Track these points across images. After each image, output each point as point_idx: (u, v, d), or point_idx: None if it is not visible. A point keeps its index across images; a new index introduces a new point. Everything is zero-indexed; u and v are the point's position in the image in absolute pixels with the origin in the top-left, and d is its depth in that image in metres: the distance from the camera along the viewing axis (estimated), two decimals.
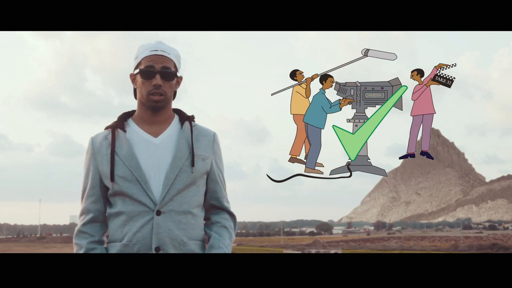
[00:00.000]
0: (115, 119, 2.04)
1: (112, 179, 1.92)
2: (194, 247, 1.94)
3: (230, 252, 1.98)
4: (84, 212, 2.01)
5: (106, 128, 2.02)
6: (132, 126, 2.02)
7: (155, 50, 1.99)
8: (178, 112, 2.10)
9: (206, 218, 2.08)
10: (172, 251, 1.88)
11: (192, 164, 1.95)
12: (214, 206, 2.08)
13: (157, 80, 1.96)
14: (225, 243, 1.98)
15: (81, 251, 1.94)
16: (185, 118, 2.06)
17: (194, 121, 2.09)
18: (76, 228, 2.00)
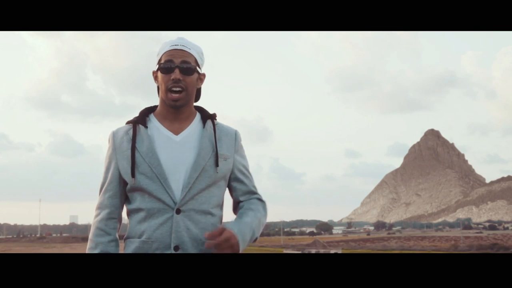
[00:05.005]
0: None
1: (133, 175, 1.90)
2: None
3: (251, 221, 1.96)
4: (100, 207, 1.98)
5: (128, 122, 2.00)
6: (153, 122, 2.00)
7: (175, 45, 1.97)
8: (200, 110, 2.07)
9: (237, 208, 2.07)
10: (191, 250, 1.87)
11: (216, 164, 1.94)
12: (244, 193, 2.07)
13: (176, 74, 1.92)
14: (252, 215, 1.98)
15: (97, 250, 1.91)
16: (207, 117, 2.03)
17: (216, 119, 2.06)
18: (93, 223, 1.97)
